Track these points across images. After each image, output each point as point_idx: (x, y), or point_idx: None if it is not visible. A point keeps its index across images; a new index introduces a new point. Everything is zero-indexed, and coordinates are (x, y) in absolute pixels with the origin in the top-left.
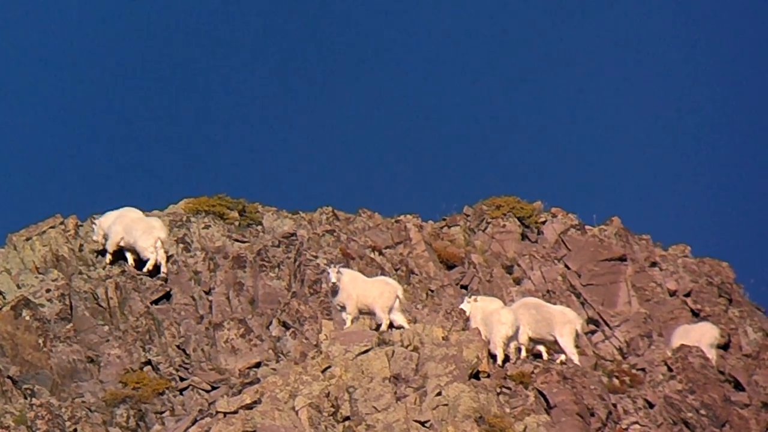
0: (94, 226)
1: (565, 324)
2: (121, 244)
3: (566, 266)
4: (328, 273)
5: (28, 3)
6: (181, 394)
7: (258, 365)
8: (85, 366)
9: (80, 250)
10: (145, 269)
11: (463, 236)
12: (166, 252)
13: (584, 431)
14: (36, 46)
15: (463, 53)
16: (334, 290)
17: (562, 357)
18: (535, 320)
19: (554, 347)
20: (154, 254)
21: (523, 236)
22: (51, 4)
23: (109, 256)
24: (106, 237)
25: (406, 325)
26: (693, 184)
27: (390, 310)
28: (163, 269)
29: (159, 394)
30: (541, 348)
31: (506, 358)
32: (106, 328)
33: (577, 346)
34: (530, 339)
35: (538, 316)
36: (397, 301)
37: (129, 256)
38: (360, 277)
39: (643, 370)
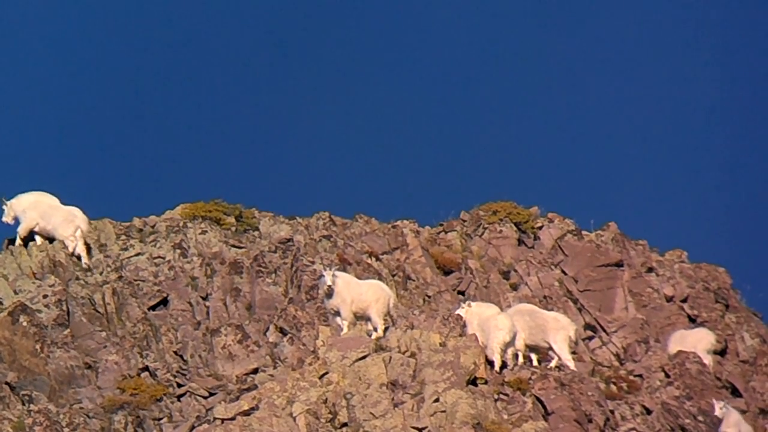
0: (4, 207)
1: (558, 330)
2: (35, 229)
3: (563, 272)
4: (323, 276)
5: (24, 5)
6: (179, 400)
7: (255, 371)
8: (82, 372)
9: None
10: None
11: (459, 242)
12: (86, 244)
13: None
14: (35, 51)
15: (459, 58)
16: (329, 293)
17: (553, 363)
18: (529, 327)
19: (549, 353)
20: (73, 242)
21: (520, 242)
22: (46, 8)
23: (19, 240)
24: (16, 220)
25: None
26: (689, 190)
27: (385, 316)
28: (85, 260)
29: (157, 401)
30: (533, 355)
31: (504, 365)
32: (104, 334)
33: (573, 353)
34: (526, 345)
35: (531, 322)
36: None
37: (38, 239)
38: (354, 280)
39: (640, 376)
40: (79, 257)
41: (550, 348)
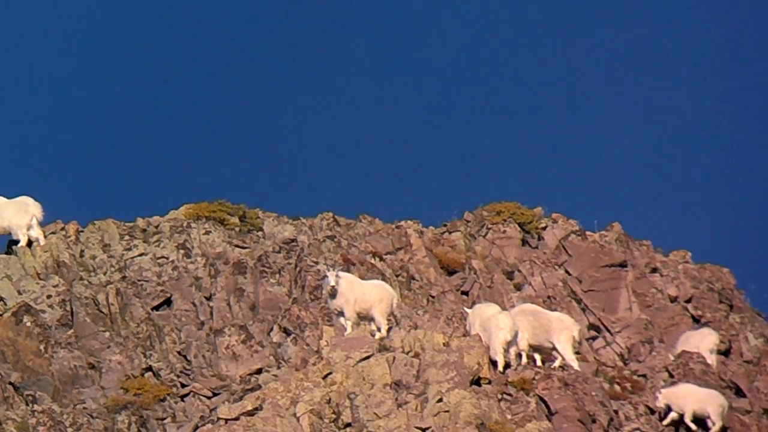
0: None
1: (562, 330)
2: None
3: (567, 272)
4: (327, 276)
5: (25, 5)
6: (183, 400)
7: (259, 371)
8: (86, 372)
9: (81, 256)
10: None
11: (463, 242)
12: (43, 231)
13: None
14: (36, 50)
15: (463, 58)
16: (332, 294)
17: (557, 363)
18: (533, 327)
19: (553, 354)
20: (25, 235)
21: (524, 242)
22: (47, 9)
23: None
24: None
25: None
26: (693, 190)
27: (388, 316)
28: (43, 242)
29: (160, 401)
30: (536, 355)
31: (507, 365)
32: (107, 334)
33: (577, 353)
34: (529, 345)
35: (535, 322)
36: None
37: (41, 240)
38: (357, 281)
39: (644, 376)
40: (36, 240)
41: (554, 348)
